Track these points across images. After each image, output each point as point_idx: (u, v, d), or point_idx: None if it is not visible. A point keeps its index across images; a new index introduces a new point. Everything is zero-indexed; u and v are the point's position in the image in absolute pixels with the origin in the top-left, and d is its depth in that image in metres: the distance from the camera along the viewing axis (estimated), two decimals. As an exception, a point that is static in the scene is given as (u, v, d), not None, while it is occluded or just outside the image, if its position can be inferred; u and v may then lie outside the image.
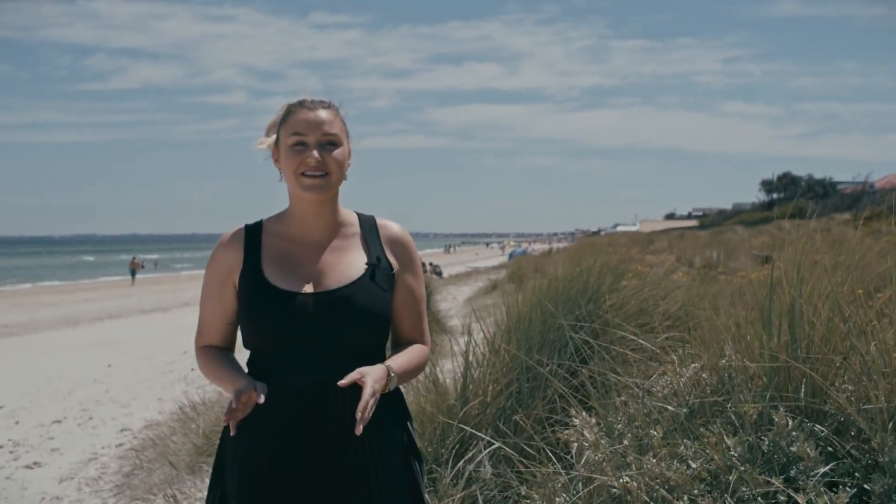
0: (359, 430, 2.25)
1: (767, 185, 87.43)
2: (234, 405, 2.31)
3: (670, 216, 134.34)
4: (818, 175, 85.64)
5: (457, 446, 4.19)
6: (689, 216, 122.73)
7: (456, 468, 4.02)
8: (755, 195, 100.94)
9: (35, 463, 7.83)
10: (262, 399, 2.34)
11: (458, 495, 3.88)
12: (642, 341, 3.93)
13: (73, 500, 6.58)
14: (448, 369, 4.93)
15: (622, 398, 3.57)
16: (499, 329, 5.05)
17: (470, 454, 4.08)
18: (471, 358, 4.58)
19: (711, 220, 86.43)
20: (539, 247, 79.97)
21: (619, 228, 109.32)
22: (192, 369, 13.33)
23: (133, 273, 52.91)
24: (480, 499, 3.83)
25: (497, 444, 4.03)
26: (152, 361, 14.76)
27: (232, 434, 2.36)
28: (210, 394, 9.28)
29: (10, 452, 8.32)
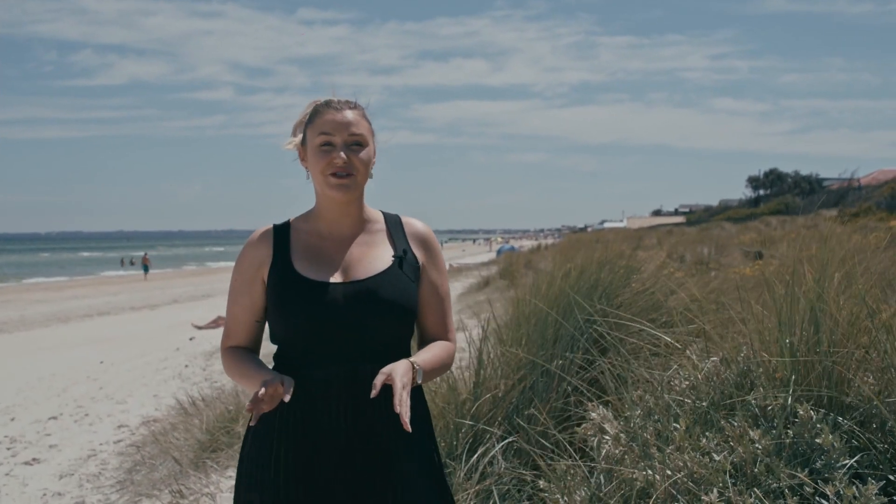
0: (406, 425, 2.27)
1: (754, 182, 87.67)
2: (260, 395, 2.31)
3: (657, 212, 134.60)
4: (805, 171, 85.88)
5: (470, 441, 4.19)
6: (676, 212, 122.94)
7: (470, 462, 4.03)
8: (742, 191, 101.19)
9: (34, 459, 7.80)
10: (287, 397, 2.34)
11: (473, 489, 3.88)
12: (662, 335, 3.94)
13: (75, 496, 6.55)
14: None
15: (639, 392, 3.58)
16: (508, 324, 5.05)
17: (483, 449, 4.09)
18: (484, 354, 4.58)
19: (698, 217, 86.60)
20: (527, 243, 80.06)
21: (607, 225, 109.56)
22: (186, 366, 13.30)
23: (146, 269, 54.72)
24: (495, 493, 3.84)
25: (511, 439, 4.04)
26: (145, 359, 14.72)
27: (252, 424, 2.37)
28: (209, 390, 9.27)
29: (8, 449, 8.28)
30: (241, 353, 2.62)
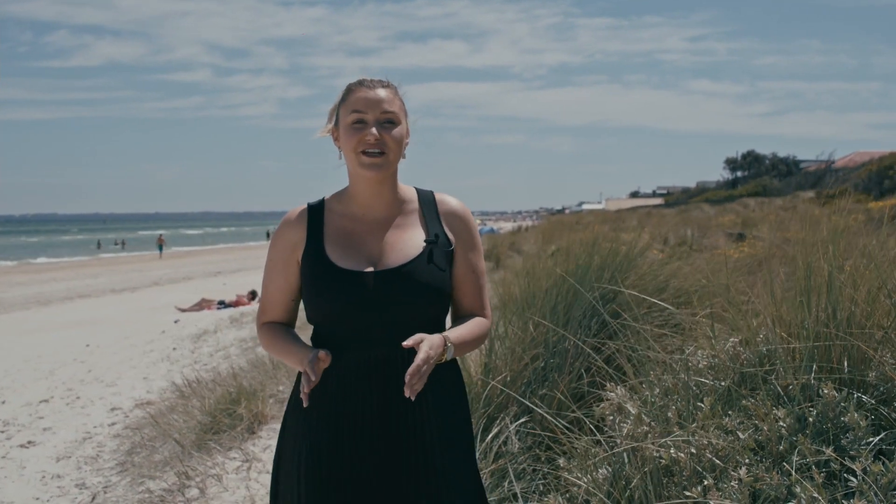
0: (408, 393, 2.30)
1: (732, 164, 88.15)
2: (313, 377, 2.35)
3: (635, 194, 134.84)
4: (782, 153, 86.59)
5: (484, 420, 4.22)
6: (654, 194, 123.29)
7: (485, 442, 4.06)
8: (719, 173, 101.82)
9: (29, 442, 7.77)
10: (327, 362, 2.40)
11: (488, 469, 3.92)
12: (681, 314, 3.97)
13: (74, 478, 6.53)
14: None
15: (656, 372, 3.62)
16: (517, 305, 5.08)
17: (497, 429, 4.12)
18: (495, 332, 4.62)
19: (676, 199, 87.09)
20: (505, 225, 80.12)
21: (585, 206, 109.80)
22: (174, 348, 13.25)
23: (160, 248, 56.97)
24: (511, 472, 3.87)
25: (525, 419, 4.07)
26: (131, 341, 14.65)
27: (305, 406, 2.39)
28: (203, 373, 9.25)
29: (2, 432, 8.24)
30: (278, 328, 2.65)
